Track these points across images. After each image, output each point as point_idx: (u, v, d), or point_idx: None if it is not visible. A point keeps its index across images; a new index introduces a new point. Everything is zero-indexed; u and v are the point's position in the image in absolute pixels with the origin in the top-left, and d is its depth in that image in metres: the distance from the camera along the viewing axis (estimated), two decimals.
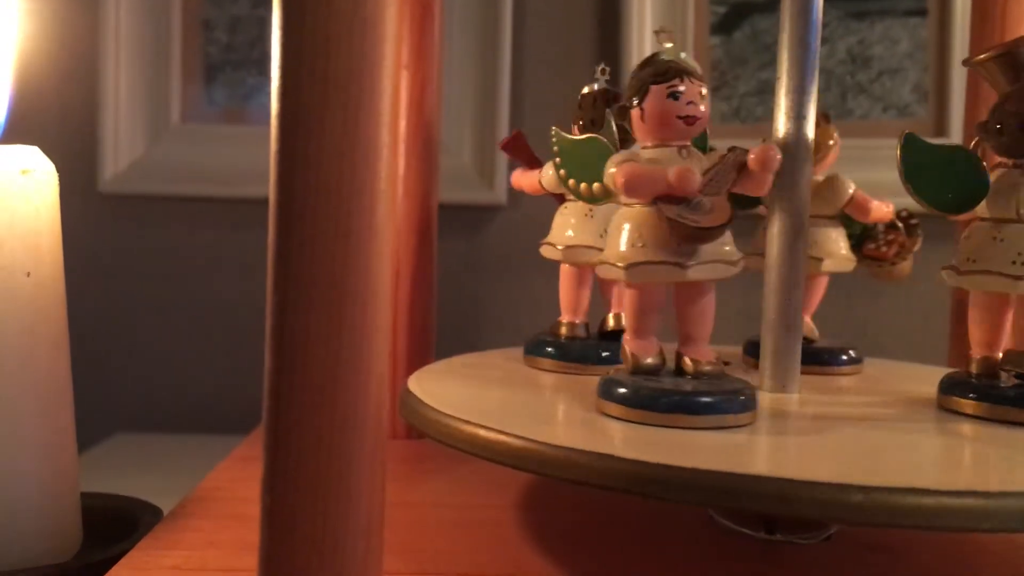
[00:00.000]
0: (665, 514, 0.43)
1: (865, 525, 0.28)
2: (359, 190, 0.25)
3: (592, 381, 0.38)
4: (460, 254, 0.86)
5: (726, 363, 0.38)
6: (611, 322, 0.47)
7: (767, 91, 0.87)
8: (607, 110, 0.45)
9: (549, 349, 0.46)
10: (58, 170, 0.38)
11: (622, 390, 0.34)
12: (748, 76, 0.87)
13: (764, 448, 0.33)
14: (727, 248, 0.36)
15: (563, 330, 0.46)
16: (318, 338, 0.24)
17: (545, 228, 0.47)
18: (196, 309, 0.88)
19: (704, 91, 0.36)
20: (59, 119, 0.87)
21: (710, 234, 0.34)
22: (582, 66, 0.87)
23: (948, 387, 0.39)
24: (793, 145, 0.42)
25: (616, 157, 0.36)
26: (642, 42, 0.85)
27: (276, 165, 0.25)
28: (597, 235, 0.45)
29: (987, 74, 0.39)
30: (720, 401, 0.34)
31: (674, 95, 0.35)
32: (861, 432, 0.35)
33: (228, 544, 0.38)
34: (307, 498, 0.24)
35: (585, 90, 0.47)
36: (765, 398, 0.42)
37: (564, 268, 0.47)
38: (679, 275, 0.35)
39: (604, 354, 0.45)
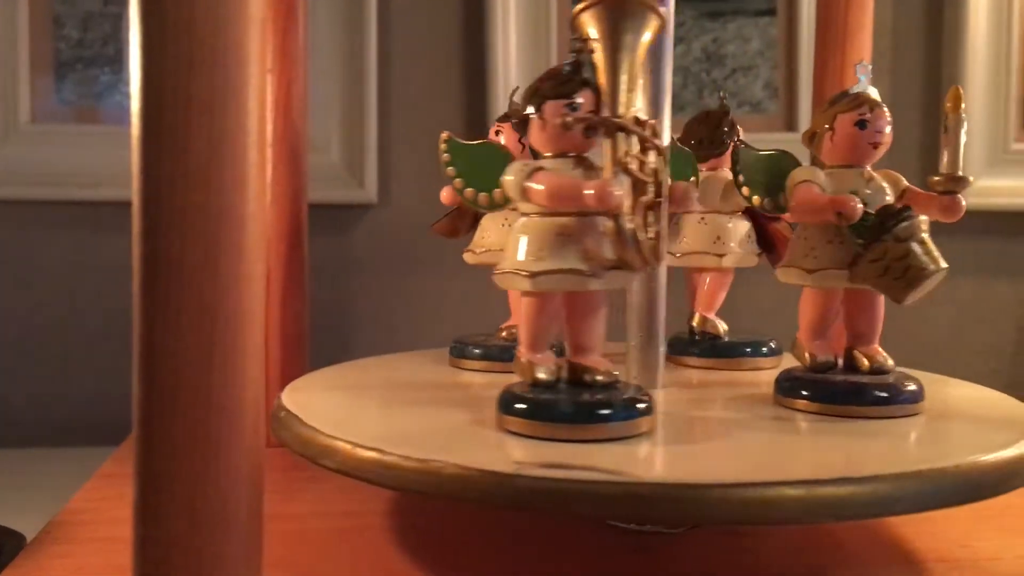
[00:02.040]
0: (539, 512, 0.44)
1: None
2: (226, 213, 0.25)
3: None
4: (331, 254, 0.85)
5: None
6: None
7: None
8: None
9: None
10: None
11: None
12: None
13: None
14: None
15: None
16: (189, 365, 0.24)
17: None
18: (53, 316, 0.84)
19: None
20: None
21: None
22: (449, 61, 0.88)
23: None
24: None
25: None
26: (507, 40, 0.86)
27: (139, 189, 0.24)
28: None
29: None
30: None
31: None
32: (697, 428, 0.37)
33: (99, 570, 0.37)
34: (182, 527, 0.24)
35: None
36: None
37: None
38: None
39: None
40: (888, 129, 0.41)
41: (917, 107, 0.92)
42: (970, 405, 0.43)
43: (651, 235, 0.34)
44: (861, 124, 0.40)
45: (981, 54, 0.90)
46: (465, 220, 0.50)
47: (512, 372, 0.37)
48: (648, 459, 0.33)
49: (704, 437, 0.36)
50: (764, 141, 0.50)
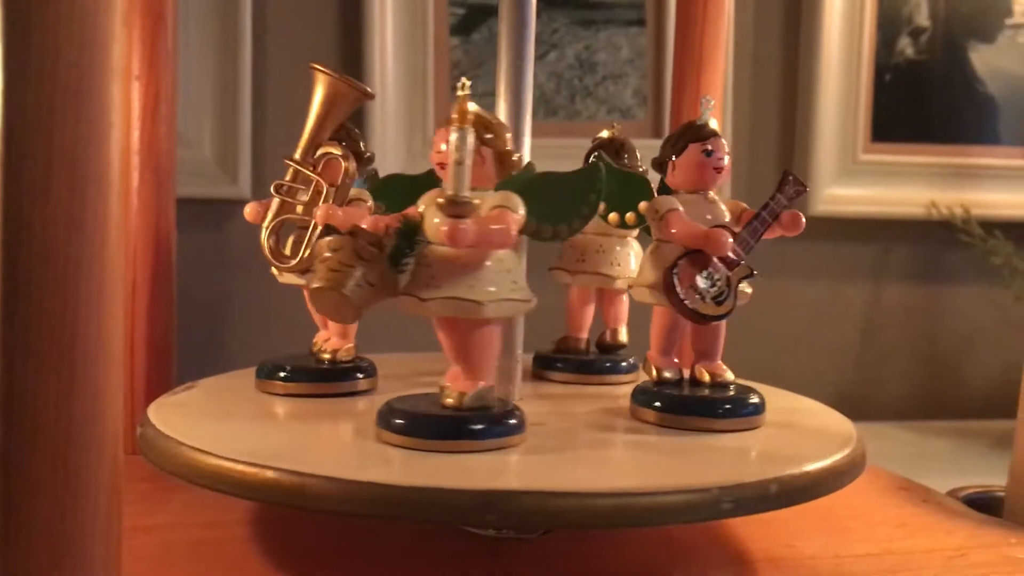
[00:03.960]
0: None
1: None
2: (87, 257, 0.25)
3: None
4: (203, 251, 0.85)
5: None
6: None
7: None
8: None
9: None
10: None
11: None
12: (487, 76, 0.91)
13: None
14: None
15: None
16: (49, 403, 0.25)
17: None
18: None
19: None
20: None
21: None
22: (325, 56, 0.88)
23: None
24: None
25: None
26: (384, 32, 0.87)
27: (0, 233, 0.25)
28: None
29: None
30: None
31: None
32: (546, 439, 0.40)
33: None
34: (42, 560, 0.25)
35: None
36: None
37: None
38: None
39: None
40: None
41: (774, 116, 0.97)
42: (797, 418, 0.47)
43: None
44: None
45: (833, 70, 0.96)
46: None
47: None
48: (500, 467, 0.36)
49: (551, 447, 0.39)
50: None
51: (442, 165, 0.39)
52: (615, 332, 0.55)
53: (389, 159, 0.85)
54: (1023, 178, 1.00)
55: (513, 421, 0.38)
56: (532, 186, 0.40)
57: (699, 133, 0.44)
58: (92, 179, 0.25)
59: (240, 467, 0.34)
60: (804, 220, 0.43)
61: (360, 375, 0.47)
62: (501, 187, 0.39)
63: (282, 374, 0.46)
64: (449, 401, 0.38)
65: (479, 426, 0.37)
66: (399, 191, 0.46)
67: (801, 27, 0.96)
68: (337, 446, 0.39)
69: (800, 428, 0.44)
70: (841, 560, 0.43)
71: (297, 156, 0.46)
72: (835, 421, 0.46)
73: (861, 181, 0.98)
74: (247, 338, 0.86)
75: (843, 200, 0.97)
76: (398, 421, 0.37)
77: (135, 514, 0.44)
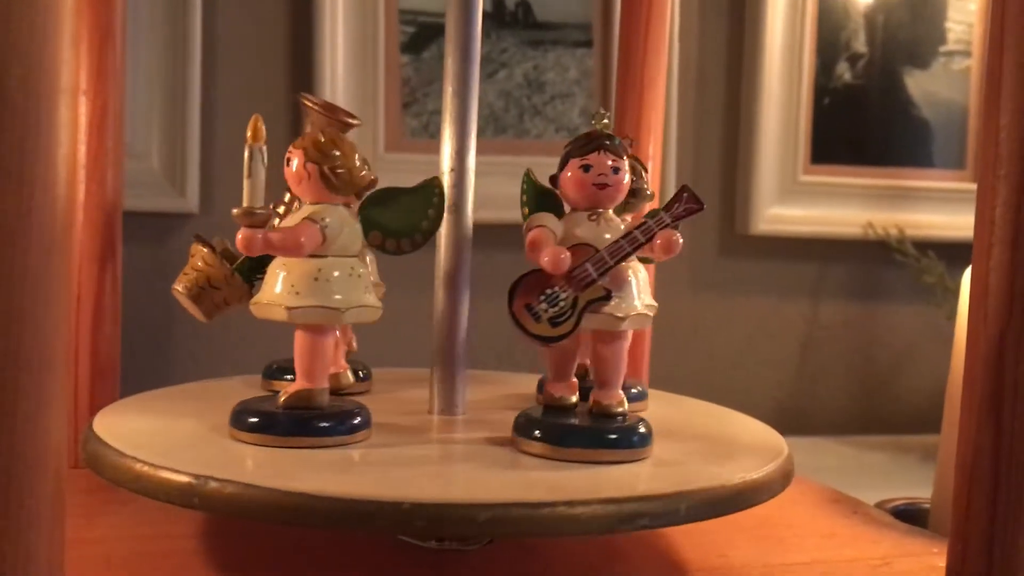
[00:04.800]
0: (344, 531, 0.47)
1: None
2: (33, 271, 0.26)
3: None
4: (147, 264, 0.84)
5: None
6: None
7: None
8: None
9: None
10: None
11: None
12: (436, 94, 0.92)
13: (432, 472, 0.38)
14: None
15: None
16: None
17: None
18: None
19: None
20: None
21: None
22: (274, 68, 0.88)
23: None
24: (457, 182, 0.47)
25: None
26: (334, 44, 0.88)
27: None
28: None
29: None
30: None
31: None
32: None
33: None
34: None
35: None
36: (433, 420, 0.47)
37: None
38: None
39: None
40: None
41: (717, 138, 0.99)
42: (731, 432, 0.48)
43: None
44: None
45: (774, 94, 0.98)
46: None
47: None
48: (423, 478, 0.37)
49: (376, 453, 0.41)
50: None
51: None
52: None
53: None
54: (955, 200, 1.03)
55: (325, 423, 0.40)
56: (376, 202, 0.43)
57: (578, 148, 0.42)
58: (38, 197, 0.26)
59: (144, 468, 0.36)
60: (680, 243, 0.40)
61: None
62: None
63: (274, 375, 0.52)
64: (281, 400, 0.42)
65: (292, 425, 0.40)
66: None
67: (744, 52, 0.98)
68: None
69: (734, 443, 0.46)
70: (771, 569, 0.45)
71: None
72: (767, 436, 0.47)
73: (801, 202, 1.00)
74: (193, 351, 0.86)
75: (783, 220, 0.99)
76: (242, 418, 0.41)
77: (78, 527, 0.45)
